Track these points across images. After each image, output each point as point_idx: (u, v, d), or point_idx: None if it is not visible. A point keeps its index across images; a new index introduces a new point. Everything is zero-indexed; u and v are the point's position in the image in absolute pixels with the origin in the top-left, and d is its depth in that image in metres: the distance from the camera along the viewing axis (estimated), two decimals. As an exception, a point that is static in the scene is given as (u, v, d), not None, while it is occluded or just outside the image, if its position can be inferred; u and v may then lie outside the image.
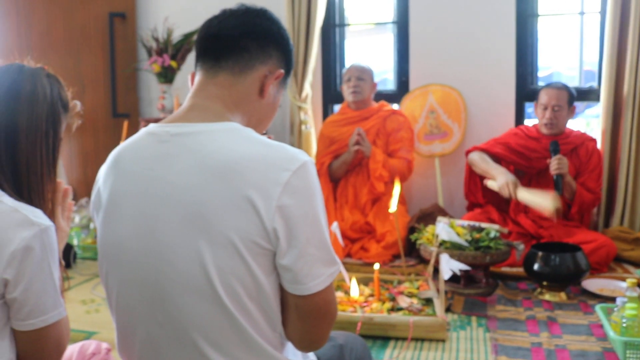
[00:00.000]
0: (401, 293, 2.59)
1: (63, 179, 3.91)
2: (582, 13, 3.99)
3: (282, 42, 1.18)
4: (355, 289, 2.57)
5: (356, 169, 3.57)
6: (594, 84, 3.64)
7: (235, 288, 1.00)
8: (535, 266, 2.70)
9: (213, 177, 0.99)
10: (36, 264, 1.07)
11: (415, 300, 2.51)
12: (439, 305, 2.41)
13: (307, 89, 3.87)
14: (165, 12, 4.14)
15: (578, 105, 5.11)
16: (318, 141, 3.75)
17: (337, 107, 4.06)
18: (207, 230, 0.98)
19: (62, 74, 1.31)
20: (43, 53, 4.09)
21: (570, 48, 4.93)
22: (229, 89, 1.13)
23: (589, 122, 5.50)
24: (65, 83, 1.30)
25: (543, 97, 3.25)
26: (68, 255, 3.36)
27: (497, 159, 3.30)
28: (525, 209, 3.31)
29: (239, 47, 1.13)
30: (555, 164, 3.04)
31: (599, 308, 2.30)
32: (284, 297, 1.06)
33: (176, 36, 3.96)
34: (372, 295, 2.60)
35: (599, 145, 3.40)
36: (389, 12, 4.00)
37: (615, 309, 2.16)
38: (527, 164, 3.30)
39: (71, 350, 1.42)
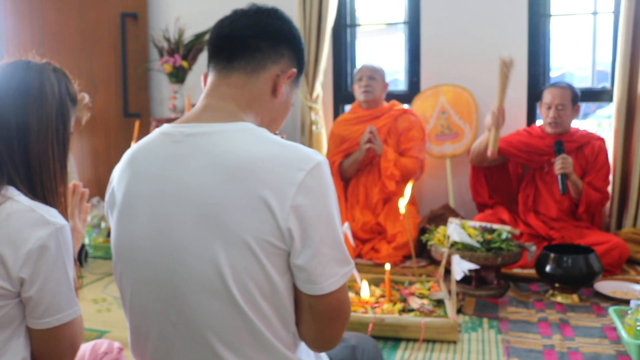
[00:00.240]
0: (412, 294, 2.58)
1: (75, 178, 3.94)
2: (595, 13, 3.97)
3: (294, 41, 1.18)
4: (365, 290, 2.57)
5: (367, 168, 3.56)
6: (607, 85, 3.61)
7: (249, 288, 1.00)
8: (547, 268, 2.69)
9: (227, 177, 0.99)
10: (51, 263, 1.08)
11: (426, 302, 2.50)
12: (450, 306, 2.40)
13: (318, 89, 3.87)
14: (176, 13, 4.15)
15: (589, 105, 5.08)
16: (329, 140, 3.75)
17: (347, 108, 4.05)
18: (222, 230, 0.98)
19: (74, 74, 1.31)
20: (55, 53, 4.12)
21: (583, 48, 4.90)
22: (242, 88, 1.13)
23: (600, 123, 5.46)
24: (77, 84, 1.30)
25: (547, 97, 3.25)
26: (80, 255, 3.37)
27: (499, 155, 3.32)
28: (535, 209, 3.30)
29: (251, 47, 1.13)
30: (560, 164, 3.04)
31: (612, 310, 2.28)
32: (298, 297, 1.06)
33: (187, 36, 3.97)
34: (383, 296, 2.59)
35: (611, 146, 3.39)
36: (400, 13, 3.99)
37: (629, 311, 2.14)
38: (527, 157, 3.31)
39: (83, 349, 1.43)
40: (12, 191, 1.11)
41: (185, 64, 3.88)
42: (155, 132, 1.13)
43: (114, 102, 4.33)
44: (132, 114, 4.30)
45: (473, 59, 3.72)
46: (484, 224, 2.88)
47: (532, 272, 2.93)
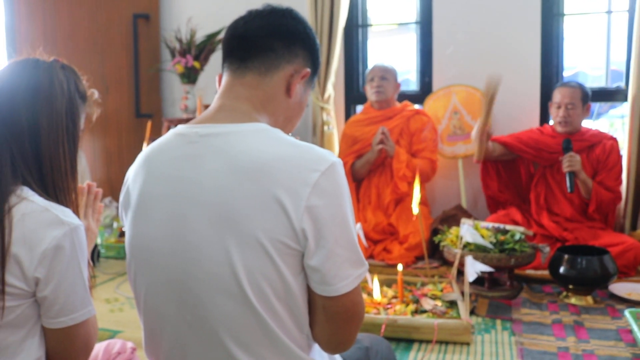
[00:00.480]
0: (425, 295, 2.57)
1: (87, 178, 3.96)
2: (609, 12, 3.93)
3: (308, 41, 1.18)
4: (377, 291, 2.56)
5: (379, 169, 3.55)
6: (621, 84, 3.58)
7: (263, 288, 0.99)
8: (561, 269, 2.66)
9: (242, 178, 0.99)
10: (66, 262, 1.08)
11: (439, 303, 2.49)
12: (463, 308, 2.38)
13: (330, 90, 3.86)
14: (188, 13, 4.16)
15: (602, 105, 5.04)
16: (341, 141, 3.74)
17: (359, 108, 4.04)
18: (236, 231, 0.98)
19: (86, 75, 1.31)
20: (68, 54, 4.14)
21: (597, 48, 4.86)
22: (256, 88, 1.13)
23: (613, 123, 5.42)
24: (86, 80, 1.30)
25: (557, 96, 3.25)
26: (92, 254, 3.39)
27: (507, 150, 3.36)
28: (547, 207, 3.29)
29: (265, 47, 1.13)
30: (567, 161, 3.03)
31: (628, 313, 2.25)
32: (312, 298, 1.06)
33: (199, 37, 3.98)
34: (395, 297, 2.58)
35: (625, 146, 3.36)
36: (412, 12, 3.97)
37: (645, 313, 2.11)
38: (536, 153, 3.31)
39: (97, 349, 1.44)
40: (26, 191, 1.11)
41: (197, 64, 3.88)
42: (170, 133, 1.13)
43: (126, 103, 4.35)
44: (144, 114, 4.32)
45: (485, 59, 3.69)
46: (497, 224, 2.87)
47: (545, 273, 2.91)
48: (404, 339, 2.27)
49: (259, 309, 1.00)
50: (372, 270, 3.00)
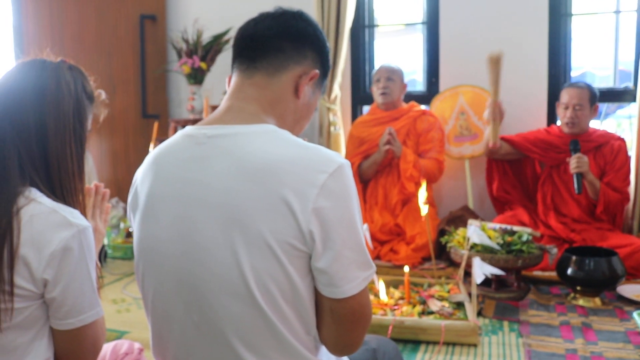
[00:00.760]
0: (432, 296, 2.56)
1: (94, 179, 3.97)
2: (617, 12, 3.91)
3: (318, 43, 1.18)
4: (383, 293, 2.55)
5: (386, 169, 3.55)
6: (630, 85, 3.56)
7: (270, 290, 0.99)
8: (569, 270, 2.65)
9: (249, 179, 0.99)
10: (74, 264, 1.08)
11: (446, 304, 2.48)
12: (470, 309, 2.38)
13: (336, 90, 3.86)
14: (195, 14, 4.17)
15: (609, 106, 5.02)
16: (347, 142, 3.74)
17: (366, 109, 4.03)
18: (244, 232, 0.98)
19: (93, 75, 1.31)
20: (75, 55, 4.14)
21: (605, 48, 4.83)
22: (265, 89, 1.13)
23: (620, 123, 5.39)
24: (93, 80, 1.30)
25: (564, 97, 3.24)
26: (99, 255, 3.40)
27: (514, 149, 3.36)
28: (554, 208, 3.27)
29: (274, 47, 1.13)
30: (575, 163, 3.02)
31: (636, 315, 2.24)
32: (319, 300, 1.06)
33: (206, 38, 3.99)
34: (402, 298, 2.57)
35: (633, 146, 3.34)
36: (419, 13, 3.96)
37: (654, 315, 2.10)
38: (543, 153, 3.30)
39: (104, 349, 1.44)
40: (34, 193, 1.11)
41: (203, 65, 3.89)
42: (178, 134, 1.13)
43: (133, 103, 4.36)
44: (151, 115, 4.33)
45: (492, 59, 3.68)
46: (504, 225, 2.85)
47: (553, 274, 2.90)
48: (411, 340, 2.27)
49: (266, 310, 1.00)
50: (379, 271, 3.00)
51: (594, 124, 3.33)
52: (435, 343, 2.24)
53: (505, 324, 2.44)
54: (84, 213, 1.19)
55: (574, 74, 4.07)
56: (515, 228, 2.84)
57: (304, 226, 0.97)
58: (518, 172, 3.50)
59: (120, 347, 1.47)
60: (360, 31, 4.00)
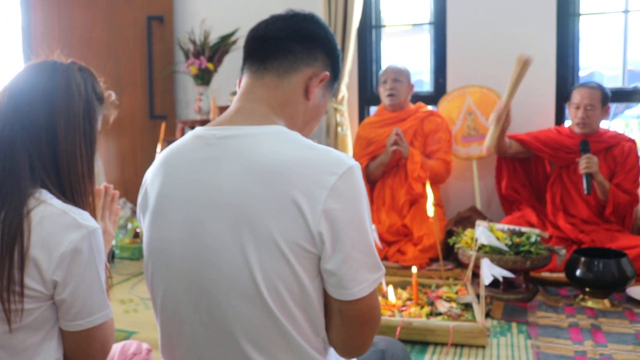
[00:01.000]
0: (439, 297, 2.56)
1: (102, 180, 3.98)
2: (626, 11, 3.88)
3: (328, 45, 1.18)
4: (391, 294, 2.55)
5: (393, 170, 3.54)
6: (638, 84, 3.54)
7: (280, 291, 0.99)
8: (578, 272, 2.64)
9: (259, 181, 0.99)
10: (84, 265, 1.08)
11: (454, 305, 2.47)
12: (478, 310, 2.37)
13: (344, 91, 3.85)
14: (202, 15, 4.18)
15: (618, 106, 4.99)
16: (355, 143, 3.73)
17: (373, 109, 4.03)
18: (253, 233, 0.98)
19: (101, 76, 1.31)
20: (83, 56, 4.15)
21: (613, 47, 4.80)
22: (275, 90, 1.13)
23: (628, 123, 5.36)
24: (103, 81, 1.30)
25: (576, 97, 3.22)
26: (108, 256, 3.41)
27: (523, 148, 3.35)
28: (563, 208, 3.26)
29: (285, 48, 1.13)
30: (584, 163, 3.00)
31: (646, 316, 2.23)
32: (328, 302, 1.06)
33: (213, 38, 3.99)
34: (410, 299, 2.57)
35: (642, 147, 3.32)
36: (426, 13, 3.96)
37: (664, 317, 2.08)
38: (553, 153, 3.29)
39: (113, 350, 1.44)
40: (45, 194, 1.11)
41: (210, 66, 3.90)
42: (188, 135, 1.13)
43: (140, 104, 4.37)
44: (158, 116, 4.34)
45: (500, 59, 3.67)
46: (512, 226, 2.85)
47: (561, 276, 2.88)
48: (419, 341, 2.26)
49: (276, 311, 0.99)
50: (386, 271, 2.99)
51: (604, 124, 3.30)
52: (443, 344, 2.23)
53: (514, 325, 2.43)
54: (93, 214, 1.20)
55: (582, 73, 4.05)
56: (524, 229, 2.83)
57: (314, 228, 0.97)
58: (528, 171, 3.49)
59: (129, 347, 1.47)
60: (367, 31, 4.00)
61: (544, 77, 3.61)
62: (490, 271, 2.31)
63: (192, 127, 3.98)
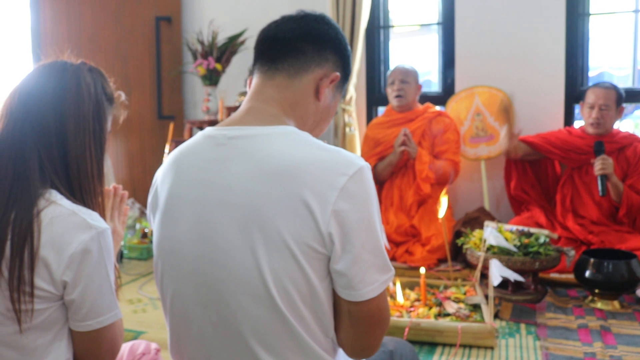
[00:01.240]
0: (448, 298, 2.55)
1: (112, 180, 4.00)
2: (636, 11, 3.86)
3: (339, 46, 1.18)
4: (400, 295, 2.54)
5: (401, 170, 3.54)
6: (649, 85, 3.51)
7: (289, 291, 0.99)
8: (587, 273, 2.62)
9: (269, 181, 0.99)
10: (93, 266, 1.08)
11: (462, 306, 2.46)
12: (487, 311, 2.36)
13: (352, 91, 3.85)
14: (210, 16, 4.18)
15: (627, 106, 4.96)
16: (363, 143, 3.73)
17: (381, 110, 4.02)
18: (263, 234, 0.98)
19: (110, 77, 1.32)
20: (91, 56, 4.18)
21: (623, 47, 4.78)
22: (285, 91, 1.13)
23: (638, 124, 5.33)
24: (113, 81, 1.30)
25: (590, 97, 3.18)
26: (116, 256, 3.42)
27: (533, 150, 3.35)
28: (573, 210, 3.24)
29: (295, 49, 1.13)
30: (599, 164, 2.97)
31: (656, 318, 2.21)
32: (337, 302, 1.05)
33: (221, 39, 4.00)
34: (418, 300, 2.56)
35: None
36: (434, 14, 3.95)
37: (675, 319, 2.07)
38: (564, 154, 3.27)
39: (122, 349, 1.44)
40: (55, 195, 1.12)
41: (218, 66, 3.90)
42: (198, 135, 1.13)
43: (148, 105, 4.38)
44: (166, 116, 4.35)
45: (508, 59, 3.66)
46: (521, 227, 2.83)
47: (570, 277, 2.87)
48: (427, 342, 2.25)
49: (285, 311, 0.99)
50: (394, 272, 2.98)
51: (615, 125, 3.28)
52: (451, 345, 2.22)
53: (523, 326, 2.42)
54: (103, 215, 1.20)
55: (592, 74, 4.03)
56: (532, 230, 2.81)
57: (324, 228, 0.97)
58: (537, 172, 3.47)
59: (137, 347, 1.48)
60: (375, 32, 3.99)
61: (553, 78, 3.60)
62: (499, 272, 2.30)
63: (200, 128, 3.99)
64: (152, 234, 3.89)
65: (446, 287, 2.73)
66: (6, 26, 4.41)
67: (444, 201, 2.70)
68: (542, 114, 3.62)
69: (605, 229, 3.11)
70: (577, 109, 3.71)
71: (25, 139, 1.13)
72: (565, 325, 2.40)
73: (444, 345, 2.24)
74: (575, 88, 3.58)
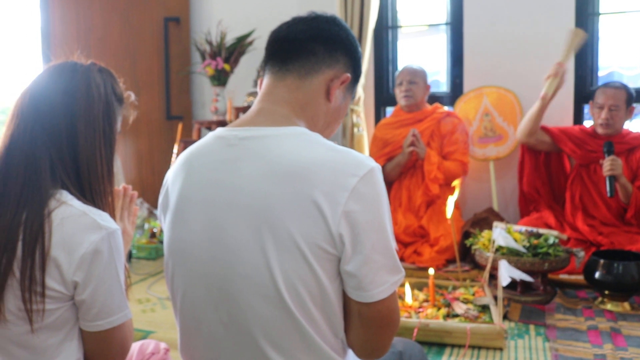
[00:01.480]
0: (456, 299, 2.54)
1: (121, 180, 4.01)
2: (646, 11, 3.83)
3: (350, 48, 1.18)
4: (409, 295, 2.54)
5: (410, 171, 3.53)
6: (659, 85, 3.49)
7: (299, 292, 0.99)
8: (597, 274, 2.61)
9: (280, 182, 0.99)
10: (104, 266, 1.09)
11: (471, 307, 2.46)
12: (496, 312, 2.35)
13: (360, 92, 3.85)
14: (218, 16, 4.19)
15: (638, 106, 4.93)
16: (371, 143, 3.72)
17: (389, 110, 4.02)
18: (274, 234, 0.98)
19: (119, 77, 1.32)
20: (100, 56, 4.19)
21: (632, 47, 4.75)
22: (296, 91, 1.13)
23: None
24: (122, 82, 1.31)
25: (600, 97, 3.16)
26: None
27: (548, 137, 3.33)
28: (583, 208, 3.21)
29: (306, 49, 1.14)
30: (608, 165, 2.95)
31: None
32: (347, 303, 1.06)
33: (229, 39, 4.00)
34: (426, 300, 2.55)
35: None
36: (442, 14, 3.94)
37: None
38: (574, 147, 3.25)
39: (131, 349, 1.44)
40: (65, 195, 1.12)
41: (227, 66, 3.91)
42: (209, 135, 1.13)
43: (157, 105, 4.40)
44: (175, 116, 4.37)
45: (517, 59, 3.64)
46: (530, 228, 2.82)
47: (579, 278, 2.85)
48: (436, 343, 2.25)
49: (295, 312, 1.00)
50: (403, 273, 2.98)
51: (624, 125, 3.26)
52: (460, 346, 2.22)
53: (532, 327, 2.41)
54: (113, 215, 1.20)
55: (601, 73, 4.01)
56: (542, 231, 2.80)
57: (334, 229, 0.97)
58: (549, 168, 3.45)
59: (147, 347, 1.48)
60: (383, 32, 3.99)
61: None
62: (508, 273, 2.29)
63: (209, 128, 4.00)
64: (160, 234, 3.91)
65: (455, 288, 2.73)
66: (16, 27, 4.44)
67: (452, 198, 2.69)
68: (552, 113, 3.59)
69: (615, 230, 3.09)
70: (586, 109, 3.69)
71: (36, 140, 1.13)
72: (575, 327, 2.38)
73: (453, 346, 2.23)
74: (584, 88, 3.56)
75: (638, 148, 3.14)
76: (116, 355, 1.17)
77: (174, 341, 1.81)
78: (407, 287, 2.56)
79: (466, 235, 3.20)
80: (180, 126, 3.96)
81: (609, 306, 2.60)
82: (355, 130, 3.84)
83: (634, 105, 3.21)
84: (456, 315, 2.39)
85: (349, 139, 3.86)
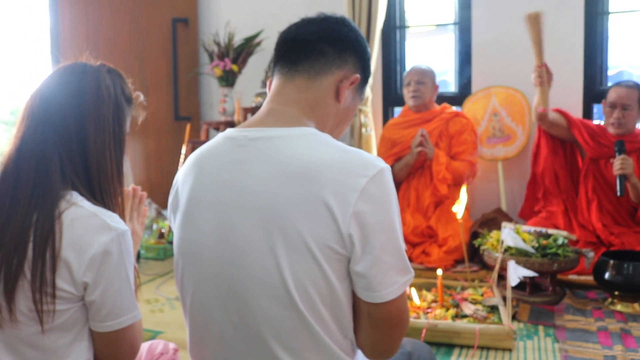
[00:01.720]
0: (465, 299, 2.53)
1: (130, 180, 4.03)
2: (656, 10, 3.81)
3: (359, 48, 1.18)
4: (415, 297, 2.53)
5: (418, 171, 3.52)
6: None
7: (309, 292, 0.99)
8: (607, 275, 2.59)
9: (289, 182, 0.99)
10: (114, 267, 1.09)
11: (480, 307, 2.45)
12: (504, 313, 2.34)
13: (368, 92, 3.84)
14: (226, 17, 4.20)
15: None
16: (379, 144, 3.72)
17: (397, 110, 4.01)
18: (284, 235, 0.98)
19: (128, 78, 1.32)
20: (109, 57, 4.21)
21: (642, 46, 4.71)
22: (305, 92, 1.13)
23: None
24: (131, 82, 1.31)
25: (612, 96, 3.14)
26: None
27: (564, 120, 3.29)
28: (597, 200, 3.18)
29: (316, 50, 1.14)
30: (619, 164, 2.93)
31: (677, 321, 2.18)
32: (357, 304, 1.06)
33: (237, 40, 4.01)
34: (435, 301, 2.55)
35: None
36: (450, 14, 3.93)
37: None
38: (588, 138, 3.21)
39: (140, 349, 1.45)
40: (75, 196, 1.13)
41: (235, 67, 3.92)
42: (219, 136, 1.14)
43: (165, 106, 4.41)
44: (183, 117, 4.38)
45: (526, 59, 3.61)
46: (539, 228, 2.81)
47: (589, 278, 2.83)
48: (445, 343, 2.24)
49: (305, 312, 1.00)
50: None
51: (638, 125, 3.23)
52: (469, 347, 2.21)
53: (541, 328, 2.40)
54: (122, 216, 1.21)
55: (611, 73, 3.98)
56: (550, 231, 2.79)
57: (344, 230, 0.97)
58: (566, 154, 3.41)
59: (156, 347, 1.49)
60: (391, 32, 3.99)
61: (572, 77, 3.56)
62: (516, 273, 2.28)
63: (217, 129, 4.01)
64: (169, 234, 3.91)
65: (463, 289, 2.72)
66: (25, 29, 4.46)
67: (462, 196, 2.68)
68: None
69: (625, 230, 3.07)
70: (595, 109, 3.67)
71: (46, 141, 1.14)
72: (585, 328, 2.37)
73: (462, 346, 2.23)
74: (594, 87, 3.55)
75: (649, 147, 3.12)
76: (126, 356, 1.17)
77: (182, 341, 1.81)
78: (413, 291, 2.55)
79: (475, 235, 3.19)
80: (188, 127, 3.97)
81: (618, 307, 2.59)
82: (363, 130, 3.84)
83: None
84: (465, 316, 2.39)
85: (357, 139, 3.85)
